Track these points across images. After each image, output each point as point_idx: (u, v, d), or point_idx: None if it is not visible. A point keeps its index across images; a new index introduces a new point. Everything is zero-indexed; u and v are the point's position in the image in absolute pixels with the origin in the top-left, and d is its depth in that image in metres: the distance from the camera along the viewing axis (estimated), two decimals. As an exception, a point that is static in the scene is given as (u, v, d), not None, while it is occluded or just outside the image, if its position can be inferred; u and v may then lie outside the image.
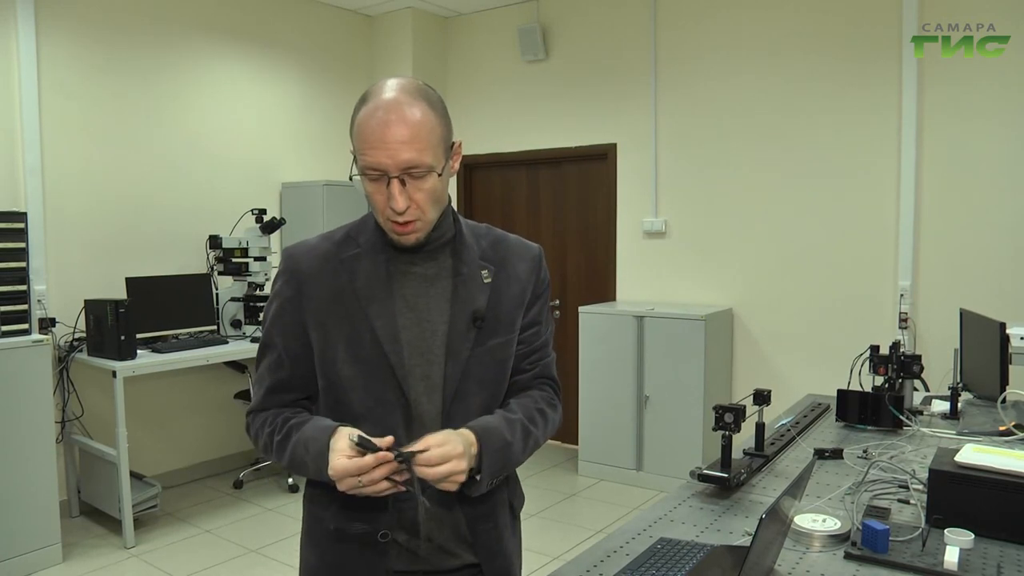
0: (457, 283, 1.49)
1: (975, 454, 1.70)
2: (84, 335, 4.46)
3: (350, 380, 1.44)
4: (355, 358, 1.44)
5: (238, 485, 5.17)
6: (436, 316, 1.47)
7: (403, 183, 1.34)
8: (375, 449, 1.26)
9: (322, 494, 1.49)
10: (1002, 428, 2.33)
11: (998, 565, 1.47)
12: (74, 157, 4.64)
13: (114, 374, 4.13)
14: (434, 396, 1.46)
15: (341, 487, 1.29)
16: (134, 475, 4.38)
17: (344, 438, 1.30)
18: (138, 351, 4.34)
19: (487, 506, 1.51)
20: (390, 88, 1.36)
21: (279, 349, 1.50)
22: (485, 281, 1.51)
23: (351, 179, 1.42)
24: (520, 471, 1.61)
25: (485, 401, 1.51)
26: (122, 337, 4.20)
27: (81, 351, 4.45)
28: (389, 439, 1.28)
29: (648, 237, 5.63)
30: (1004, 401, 2.52)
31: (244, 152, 5.59)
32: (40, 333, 4.16)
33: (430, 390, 1.45)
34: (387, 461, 1.26)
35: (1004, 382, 2.63)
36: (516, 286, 1.55)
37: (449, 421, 1.44)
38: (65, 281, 4.57)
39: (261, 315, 1.42)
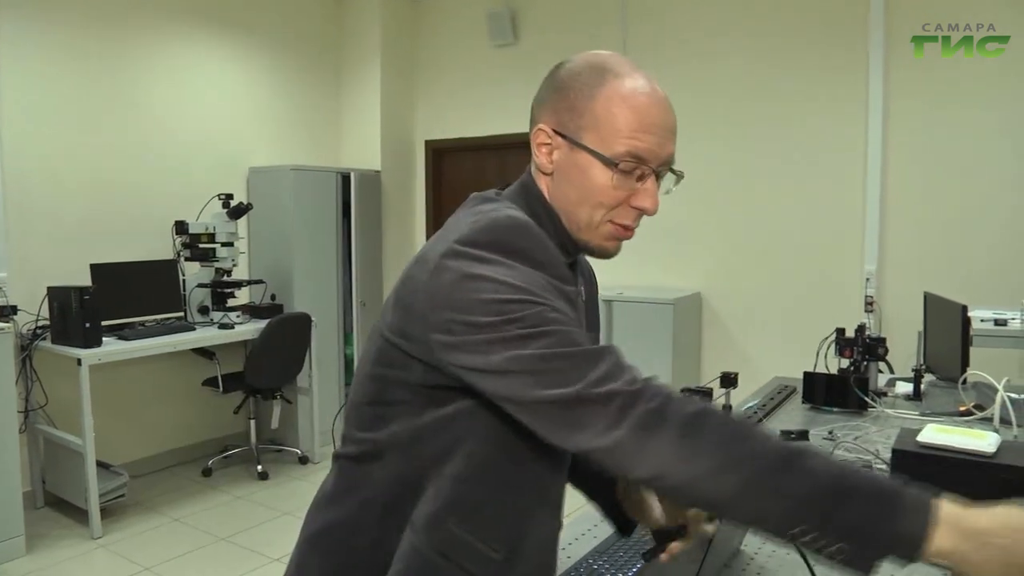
0: (580, 306, 1.25)
1: (936, 434, 1.73)
2: (47, 323, 4.39)
3: None
4: None
5: (207, 473, 5.13)
6: None
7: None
8: None
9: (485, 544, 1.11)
10: (962, 408, 2.37)
11: (958, 542, 1.50)
12: (35, 141, 4.55)
13: (79, 362, 4.07)
14: None
15: None
16: (101, 464, 4.33)
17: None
18: (104, 338, 4.28)
19: None
20: (635, 66, 1.16)
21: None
22: (582, 300, 1.30)
23: (546, 172, 1.18)
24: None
25: None
26: (87, 324, 4.14)
27: (45, 339, 4.37)
28: None
29: (617, 222, 5.64)
30: (965, 382, 2.56)
31: (210, 136, 5.52)
32: (1, 321, 4.08)
33: None
34: None
35: (965, 363, 2.67)
36: (591, 307, 1.38)
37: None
38: (27, 268, 4.48)
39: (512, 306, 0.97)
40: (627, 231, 1.18)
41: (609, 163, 1.11)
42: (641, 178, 1.13)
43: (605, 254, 1.21)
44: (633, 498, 1.24)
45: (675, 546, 1.16)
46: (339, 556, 1.18)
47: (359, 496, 1.16)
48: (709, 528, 1.16)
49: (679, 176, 1.19)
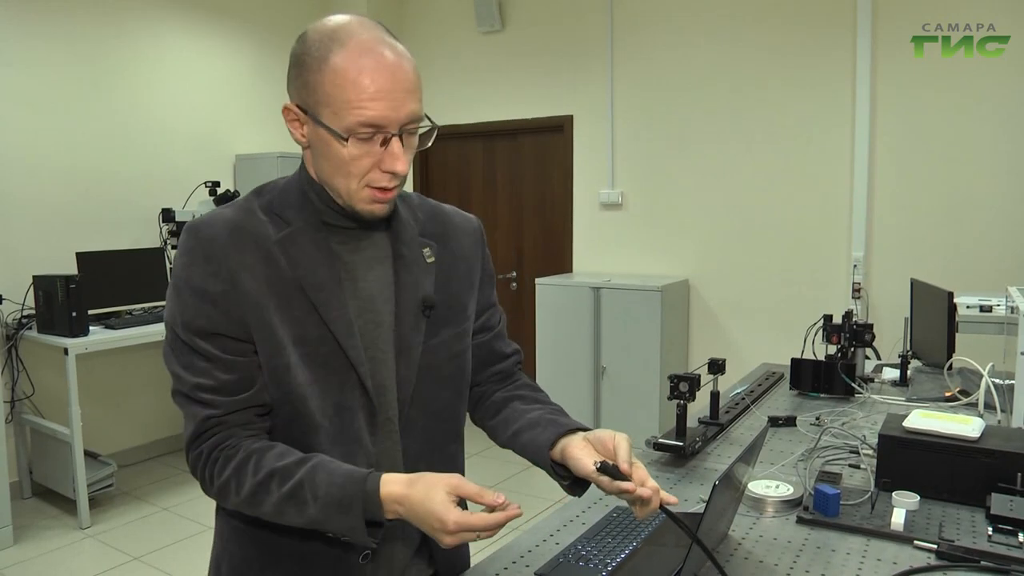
0: (398, 266, 1.29)
1: (922, 419, 1.74)
2: (33, 312, 4.36)
3: (307, 387, 1.21)
4: (310, 360, 1.21)
5: (195, 462, 5.12)
6: (380, 307, 1.27)
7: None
8: (619, 475, 1.15)
9: None
10: (948, 394, 2.39)
11: (940, 524, 1.51)
12: (17, 128, 4.51)
13: (66, 351, 4.05)
14: (387, 399, 1.28)
15: (448, 542, 1.08)
16: (88, 454, 4.32)
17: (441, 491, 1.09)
18: (90, 327, 4.27)
19: None
20: (364, 27, 1.16)
21: (217, 354, 1.20)
22: (428, 261, 1.32)
23: (303, 146, 1.22)
24: (478, 443, 1.58)
25: (449, 402, 1.36)
26: (73, 313, 4.12)
27: (31, 328, 4.35)
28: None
29: (604, 209, 5.65)
30: (950, 368, 2.58)
31: (196, 124, 5.48)
32: (-14, 310, 4.06)
33: (380, 392, 1.27)
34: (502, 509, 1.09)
35: (951, 350, 2.69)
36: (462, 265, 1.38)
37: (409, 429, 1.30)
38: (12, 257, 4.45)
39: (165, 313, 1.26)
40: (385, 192, 1.20)
41: (341, 137, 1.14)
42: (385, 142, 1.15)
43: (373, 216, 1.24)
44: (569, 456, 1.24)
45: (624, 485, 1.16)
46: None
47: None
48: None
49: (434, 127, 1.22)
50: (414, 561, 1.38)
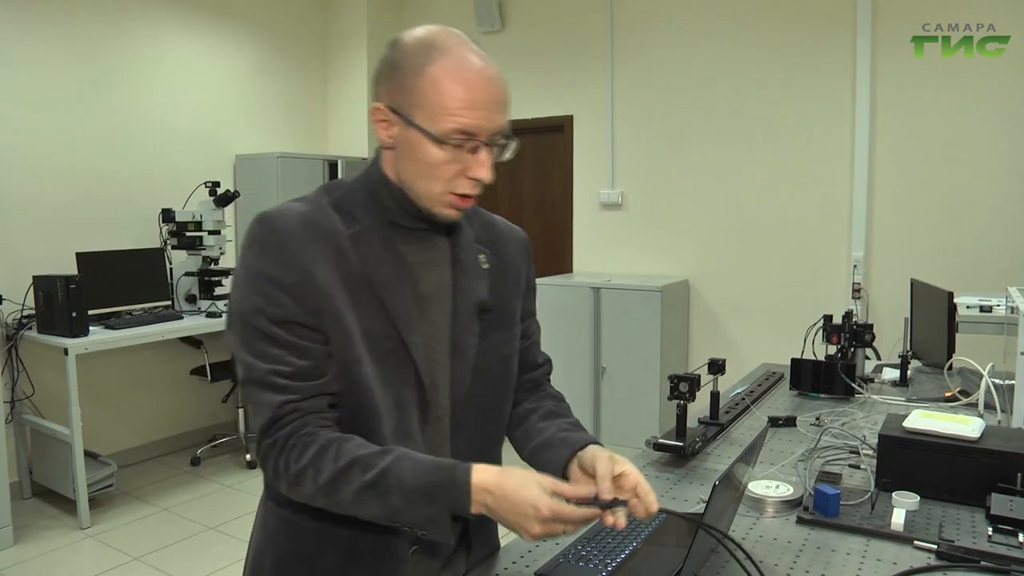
0: (457, 270, 1.33)
1: (922, 419, 1.74)
2: (33, 312, 4.36)
3: (374, 379, 1.22)
4: (375, 355, 1.23)
5: (195, 462, 5.12)
6: (436, 308, 1.30)
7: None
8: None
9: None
10: (948, 394, 2.40)
11: (940, 524, 1.52)
12: (17, 128, 4.50)
13: (66, 351, 4.05)
14: (438, 398, 1.31)
15: (537, 531, 1.09)
16: (88, 454, 4.31)
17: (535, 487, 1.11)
18: (90, 328, 4.26)
19: None
20: (463, 40, 1.22)
21: (292, 341, 1.19)
22: (483, 267, 1.37)
23: (387, 146, 1.25)
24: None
25: (496, 404, 1.40)
26: (73, 314, 4.12)
27: (31, 328, 4.35)
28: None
29: (604, 209, 5.65)
30: (950, 368, 2.58)
31: (196, 124, 5.48)
32: (-13, 311, 4.06)
33: (433, 390, 1.30)
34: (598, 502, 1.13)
35: (951, 350, 2.69)
36: (512, 273, 1.44)
37: (460, 429, 1.33)
38: (12, 257, 4.45)
39: (229, 296, 1.27)
40: (466, 200, 1.25)
41: (437, 141, 1.17)
42: (474, 150, 1.20)
43: (447, 220, 1.28)
44: (573, 475, 1.27)
45: (614, 517, 1.15)
46: None
47: None
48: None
49: (515, 143, 1.25)
50: (453, 557, 1.39)
